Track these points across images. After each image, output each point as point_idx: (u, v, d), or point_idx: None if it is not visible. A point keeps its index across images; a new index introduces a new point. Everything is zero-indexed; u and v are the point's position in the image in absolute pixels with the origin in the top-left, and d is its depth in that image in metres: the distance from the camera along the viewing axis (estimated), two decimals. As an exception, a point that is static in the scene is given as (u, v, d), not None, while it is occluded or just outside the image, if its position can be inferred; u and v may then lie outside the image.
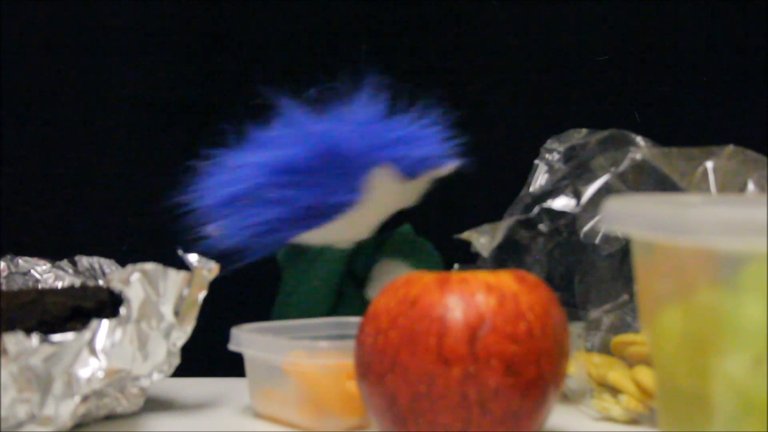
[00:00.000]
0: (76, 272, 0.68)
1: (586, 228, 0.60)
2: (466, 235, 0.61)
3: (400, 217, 0.67)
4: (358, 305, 0.64)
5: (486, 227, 0.61)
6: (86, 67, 0.79)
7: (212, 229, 0.62)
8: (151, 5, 0.79)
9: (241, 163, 0.62)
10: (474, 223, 0.62)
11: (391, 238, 0.68)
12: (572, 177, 0.62)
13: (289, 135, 0.62)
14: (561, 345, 0.47)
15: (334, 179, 0.61)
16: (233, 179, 0.62)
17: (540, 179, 0.63)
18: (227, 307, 0.65)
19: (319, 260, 0.66)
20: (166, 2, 0.79)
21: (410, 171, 0.62)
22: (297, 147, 0.61)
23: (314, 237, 0.63)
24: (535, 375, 0.46)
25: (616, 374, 0.56)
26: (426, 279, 0.47)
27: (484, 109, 0.78)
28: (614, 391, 0.56)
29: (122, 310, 0.54)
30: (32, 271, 0.68)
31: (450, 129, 0.64)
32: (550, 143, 0.65)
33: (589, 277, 0.59)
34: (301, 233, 0.62)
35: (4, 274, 0.67)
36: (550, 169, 0.64)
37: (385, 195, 0.62)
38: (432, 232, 0.69)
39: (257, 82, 0.63)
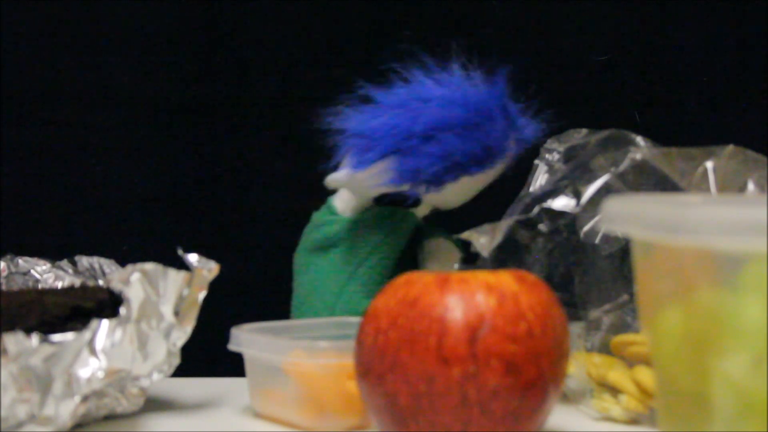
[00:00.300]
0: (76, 272, 0.67)
1: (586, 228, 0.60)
2: (466, 235, 0.61)
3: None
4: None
5: (486, 227, 0.61)
6: (86, 67, 0.79)
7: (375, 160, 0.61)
8: (151, 5, 0.79)
9: (424, 97, 0.62)
10: (474, 223, 0.62)
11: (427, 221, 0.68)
12: (572, 177, 0.62)
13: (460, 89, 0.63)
14: (561, 345, 0.47)
15: (505, 129, 0.62)
16: (415, 112, 0.61)
17: (540, 179, 0.63)
18: (227, 307, 0.65)
19: (397, 230, 0.66)
20: (166, 2, 0.79)
21: (519, 149, 0.64)
22: (474, 95, 0.62)
23: (454, 189, 0.63)
24: (535, 375, 0.46)
25: (616, 374, 0.56)
26: (426, 279, 0.47)
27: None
28: (614, 391, 0.56)
29: (122, 310, 0.54)
30: (32, 271, 0.68)
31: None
32: (550, 143, 0.65)
33: (589, 277, 0.59)
34: (464, 175, 0.62)
35: (4, 274, 0.67)
36: (550, 169, 0.63)
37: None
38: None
39: (257, 81, 0.63)
